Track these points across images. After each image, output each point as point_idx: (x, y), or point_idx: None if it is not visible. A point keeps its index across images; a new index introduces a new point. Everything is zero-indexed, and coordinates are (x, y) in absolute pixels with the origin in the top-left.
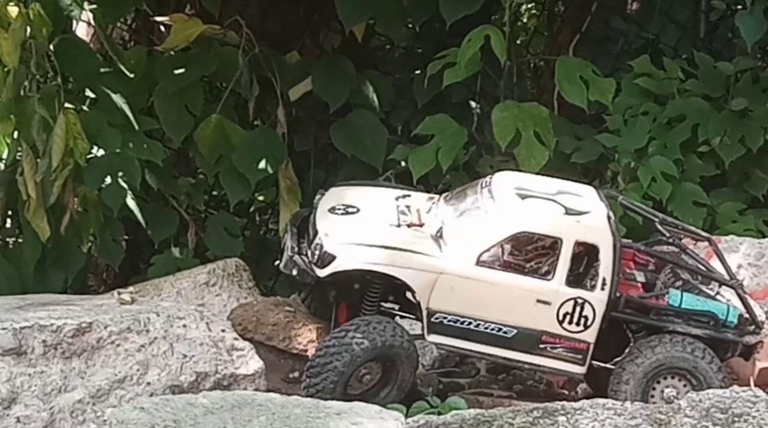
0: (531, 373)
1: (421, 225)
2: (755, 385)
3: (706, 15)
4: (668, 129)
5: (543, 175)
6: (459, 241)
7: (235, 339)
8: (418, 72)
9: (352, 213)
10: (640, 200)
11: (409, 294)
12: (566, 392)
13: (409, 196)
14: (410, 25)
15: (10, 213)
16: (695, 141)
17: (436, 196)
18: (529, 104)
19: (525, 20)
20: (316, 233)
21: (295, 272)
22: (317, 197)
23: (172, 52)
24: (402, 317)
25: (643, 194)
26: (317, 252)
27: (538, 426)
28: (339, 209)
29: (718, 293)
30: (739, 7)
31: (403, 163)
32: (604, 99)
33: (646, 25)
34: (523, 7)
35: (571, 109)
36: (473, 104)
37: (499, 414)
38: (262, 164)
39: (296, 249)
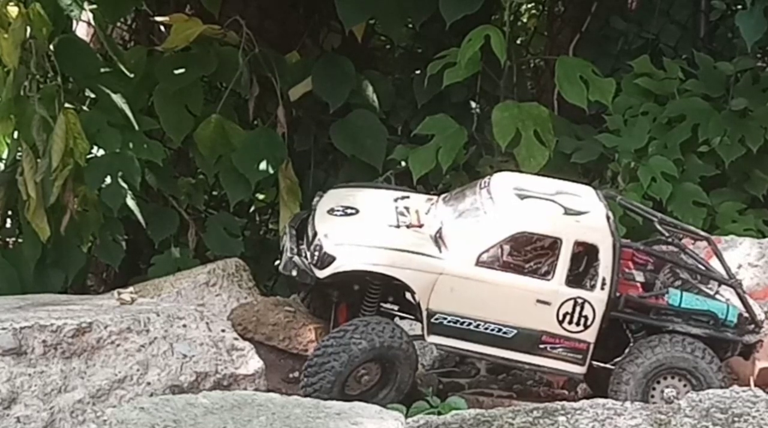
0: (531, 373)
1: (420, 226)
2: (755, 385)
3: (706, 15)
4: (668, 129)
5: (542, 175)
6: (458, 242)
7: (235, 339)
8: (418, 72)
9: (351, 214)
10: (640, 200)
11: (408, 295)
12: (566, 392)
13: (407, 197)
14: (410, 25)
15: (10, 213)
16: (695, 141)
17: (435, 197)
18: (529, 104)
19: (525, 20)
20: (315, 234)
21: (294, 273)
22: (315, 199)
23: (172, 52)
24: (401, 318)
25: (643, 194)
26: (317, 253)
27: (538, 426)
28: (338, 210)
29: (717, 292)
30: (739, 7)
31: (403, 163)
32: (604, 99)
33: (646, 25)
34: (523, 7)
35: (571, 109)
36: (473, 104)
37: (499, 414)
38: (262, 164)
39: (295, 250)
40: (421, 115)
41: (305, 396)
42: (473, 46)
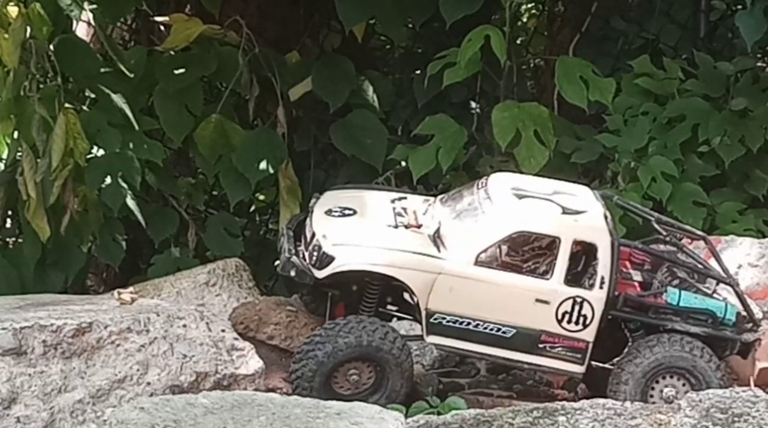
0: (531, 373)
1: (418, 227)
2: (755, 385)
3: (706, 15)
4: (668, 129)
5: (542, 175)
6: (457, 241)
7: (235, 339)
8: (418, 72)
9: (349, 215)
10: (640, 200)
11: (407, 296)
12: (566, 392)
13: (405, 198)
14: (410, 25)
15: (10, 213)
16: (695, 141)
17: (432, 198)
18: (529, 104)
19: (525, 20)
20: (313, 235)
21: (293, 273)
22: (312, 201)
23: (172, 52)
24: (400, 318)
25: (643, 194)
26: (315, 254)
27: (538, 426)
28: (336, 211)
29: (714, 291)
30: (739, 7)
31: (403, 163)
32: (604, 99)
33: (646, 25)
34: (523, 7)
35: (571, 109)
36: (473, 104)
37: (499, 414)
38: (262, 164)
39: (293, 251)
40: (421, 115)
41: (291, 383)
42: (473, 46)
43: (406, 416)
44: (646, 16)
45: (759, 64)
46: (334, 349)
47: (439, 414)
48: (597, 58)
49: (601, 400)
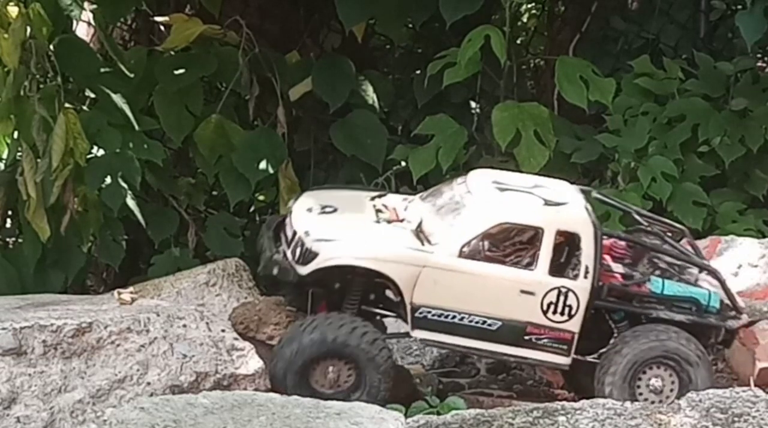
0: (531, 373)
1: (400, 222)
2: (755, 385)
3: (706, 15)
4: (668, 129)
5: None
6: (440, 235)
7: (235, 339)
8: (418, 72)
9: (330, 212)
10: (640, 200)
11: (390, 293)
12: (566, 392)
13: (383, 195)
14: (410, 25)
15: (10, 213)
16: (695, 141)
17: (411, 197)
18: (529, 104)
19: (525, 20)
20: (294, 233)
21: (275, 271)
22: (291, 201)
23: (172, 52)
24: (383, 316)
25: (643, 194)
26: (298, 250)
27: (538, 426)
28: (316, 209)
29: (697, 280)
30: (739, 7)
31: (403, 163)
32: (604, 99)
33: (646, 25)
34: (523, 7)
35: (571, 109)
36: (473, 104)
37: (499, 414)
38: (262, 164)
39: (274, 250)
40: (421, 115)
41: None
42: (473, 46)
43: (406, 416)
44: (646, 16)
45: (759, 64)
46: (300, 347)
47: (439, 414)
48: (597, 58)
49: (601, 400)
